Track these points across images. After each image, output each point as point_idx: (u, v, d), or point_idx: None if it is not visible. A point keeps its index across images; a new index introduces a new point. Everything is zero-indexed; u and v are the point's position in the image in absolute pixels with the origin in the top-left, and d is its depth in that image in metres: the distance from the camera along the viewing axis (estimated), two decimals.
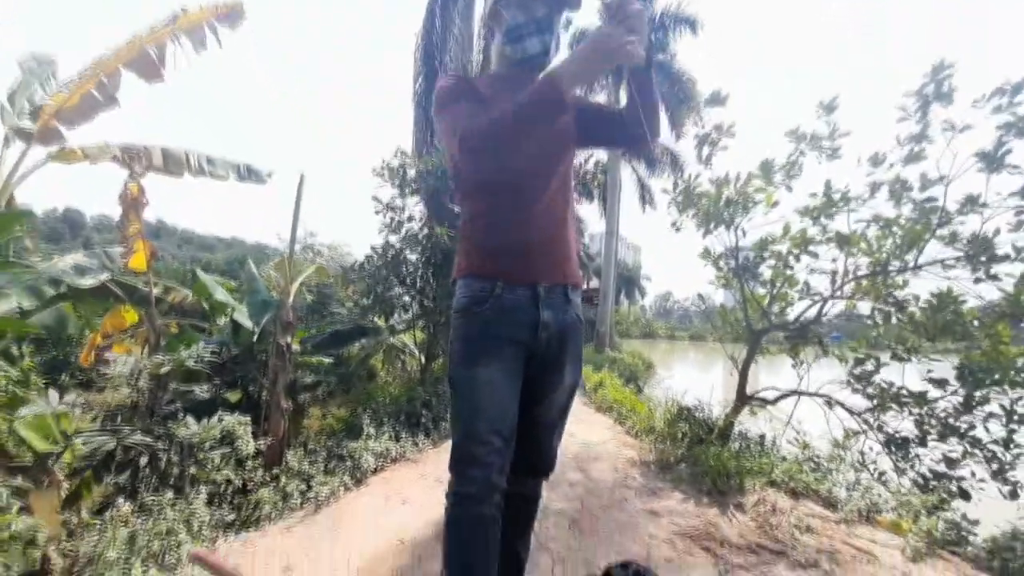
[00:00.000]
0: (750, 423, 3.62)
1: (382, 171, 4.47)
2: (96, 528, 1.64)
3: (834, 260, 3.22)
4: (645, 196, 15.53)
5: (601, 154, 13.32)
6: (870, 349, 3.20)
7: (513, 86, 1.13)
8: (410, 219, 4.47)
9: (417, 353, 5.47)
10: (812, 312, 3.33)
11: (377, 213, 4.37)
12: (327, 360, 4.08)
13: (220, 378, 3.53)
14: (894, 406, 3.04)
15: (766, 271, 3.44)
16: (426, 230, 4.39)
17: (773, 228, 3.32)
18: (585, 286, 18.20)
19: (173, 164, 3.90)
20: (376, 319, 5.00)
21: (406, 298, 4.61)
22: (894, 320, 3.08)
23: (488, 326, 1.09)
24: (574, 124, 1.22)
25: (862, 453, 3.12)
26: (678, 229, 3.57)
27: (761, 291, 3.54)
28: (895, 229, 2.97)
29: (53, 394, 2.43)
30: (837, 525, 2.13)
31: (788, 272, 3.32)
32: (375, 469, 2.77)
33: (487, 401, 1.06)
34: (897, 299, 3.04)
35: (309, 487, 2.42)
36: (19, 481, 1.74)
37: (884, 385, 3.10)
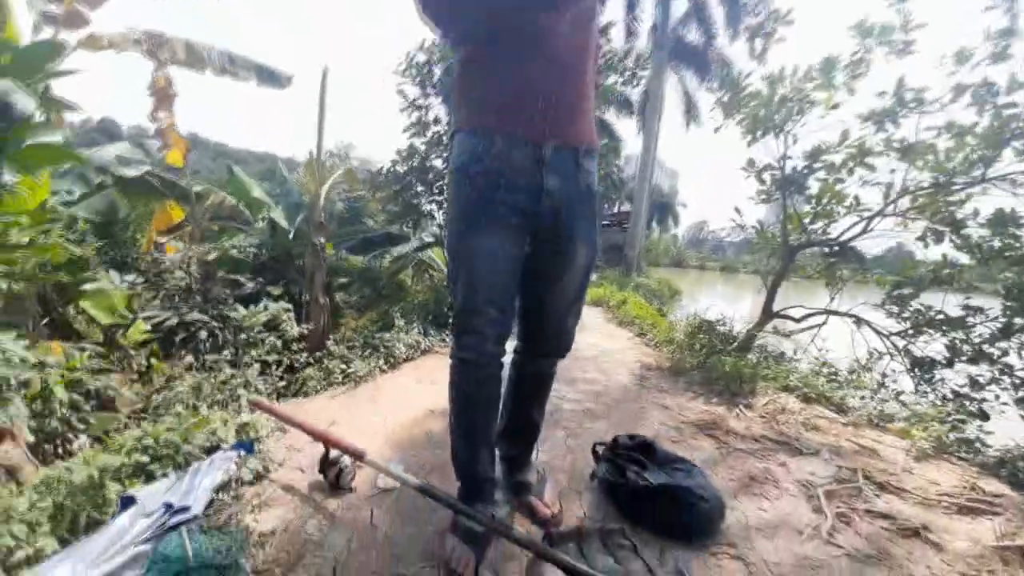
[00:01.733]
0: (773, 344, 3.64)
1: (407, 69, 4.23)
2: (165, 380, 1.88)
3: (892, 171, 2.96)
4: (690, 111, 14.17)
5: (643, 47, 12.08)
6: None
7: None
8: (436, 121, 4.30)
9: (444, 269, 5.61)
10: (856, 230, 3.15)
11: (402, 111, 4.21)
12: (358, 261, 4.24)
13: (262, 276, 3.76)
14: (928, 330, 2.97)
15: (814, 184, 3.21)
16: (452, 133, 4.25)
17: (828, 135, 3.04)
18: (615, 209, 17.63)
19: (195, 58, 3.81)
20: (404, 227, 5.08)
21: (432, 205, 4.60)
22: (947, 241, 2.89)
23: (485, 190, 1.00)
24: None
25: (884, 375, 3.12)
26: (716, 130, 3.33)
27: (806, 207, 3.35)
28: (969, 139, 2.65)
29: (115, 274, 2.68)
30: (845, 427, 2.20)
31: (838, 186, 3.09)
32: (406, 358, 3.00)
33: (484, 272, 1.04)
34: (955, 217, 2.81)
35: (348, 369, 2.66)
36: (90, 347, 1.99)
37: (921, 308, 3.00)
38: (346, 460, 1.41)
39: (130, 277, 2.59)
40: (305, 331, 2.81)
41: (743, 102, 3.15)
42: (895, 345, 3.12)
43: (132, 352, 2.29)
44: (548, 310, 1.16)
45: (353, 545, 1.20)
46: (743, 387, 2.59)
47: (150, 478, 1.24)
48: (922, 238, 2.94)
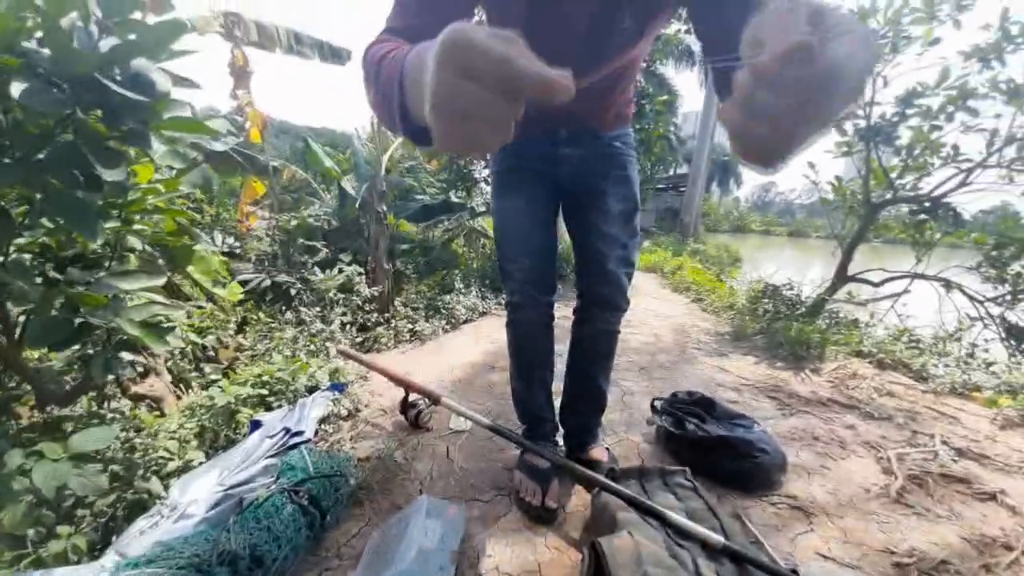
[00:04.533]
0: (847, 311, 3.42)
1: None
2: (266, 331, 2.15)
3: (997, 116, 2.61)
4: None
5: None
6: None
7: None
8: None
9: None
10: (952, 184, 2.83)
11: None
12: (415, 229, 4.43)
13: (334, 244, 4.06)
14: None
15: (904, 134, 2.90)
16: None
17: (924, 76, 2.71)
18: (671, 172, 16.72)
19: (266, 37, 4.01)
20: (459, 196, 5.19)
21: (485, 171, 4.66)
22: None
23: (511, 158, 1.16)
24: None
25: (973, 345, 2.87)
26: None
27: (894, 160, 3.04)
28: None
29: (214, 238, 3.02)
30: (923, 394, 2.09)
31: (934, 135, 2.77)
32: (466, 320, 3.17)
33: (513, 227, 1.20)
34: None
35: (414, 328, 2.87)
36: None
37: (1022, 271, 2.70)
38: (423, 403, 1.58)
39: (225, 244, 2.93)
40: (375, 293, 3.03)
41: None
42: (989, 312, 2.84)
43: (229, 312, 2.59)
44: (589, 257, 1.22)
45: (434, 473, 1.37)
46: (810, 352, 2.50)
47: (268, 408, 1.48)
48: None
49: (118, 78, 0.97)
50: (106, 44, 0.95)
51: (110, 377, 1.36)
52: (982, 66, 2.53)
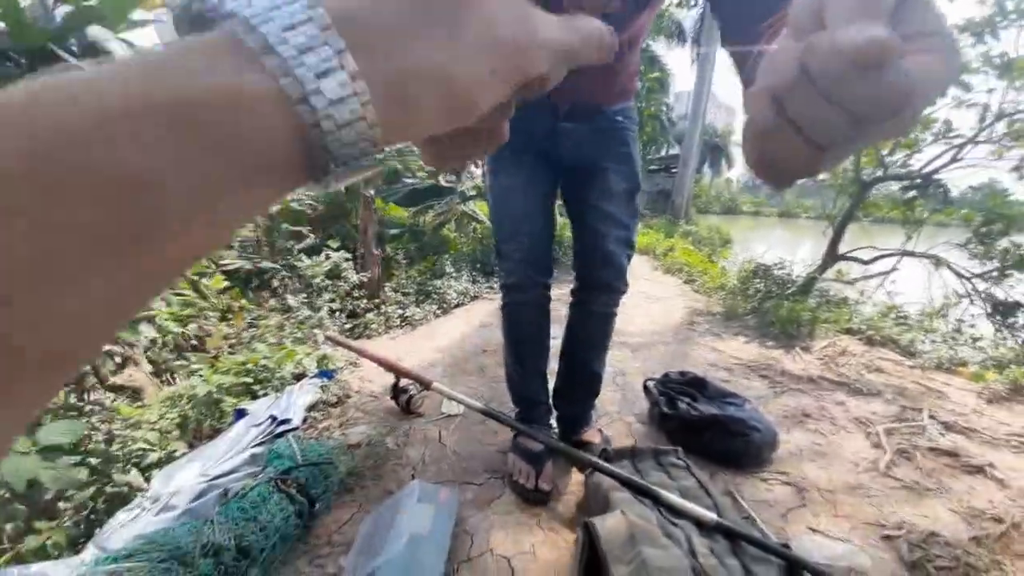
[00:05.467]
0: (836, 290, 3.44)
1: None
2: (251, 320, 2.10)
3: (989, 91, 2.60)
4: None
5: None
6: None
7: None
8: None
9: (487, 221, 5.64)
10: (944, 160, 2.83)
11: None
12: (405, 213, 4.36)
13: (321, 229, 3.97)
14: (1016, 272, 2.71)
15: None
16: None
17: None
18: (663, 153, 16.63)
19: None
20: (448, 180, 5.10)
21: None
22: None
23: (509, 135, 1.07)
24: None
25: (960, 321, 2.91)
26: None
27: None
28: None
29: None
30: (911, 370, 2.12)
31: (927, 109, 2.75)
32: (457, 304, 3.14)
33: (512, 206, 1.15)
34: None
35: (404, 314, 2.83)
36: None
37: (1010, 246, 2.73)
38: (414, 388, 1.55)
39: None
40: (364, 279, 2.98)
41: None
42: (976, 288, 2.88)
43: (214, 300, 2.53)
44: (589, 238, 1.19)
45: (427, 457, 1.35)
46: (800, 330, 2.51)
47: (254, 396, 1.45)
48: (1017, 168, 2.61)
49: (74, 48, 0.90)
50: (61, 13, 0.89)
51: (87, 368, 1.32)
52: (975, 40, 2.51)
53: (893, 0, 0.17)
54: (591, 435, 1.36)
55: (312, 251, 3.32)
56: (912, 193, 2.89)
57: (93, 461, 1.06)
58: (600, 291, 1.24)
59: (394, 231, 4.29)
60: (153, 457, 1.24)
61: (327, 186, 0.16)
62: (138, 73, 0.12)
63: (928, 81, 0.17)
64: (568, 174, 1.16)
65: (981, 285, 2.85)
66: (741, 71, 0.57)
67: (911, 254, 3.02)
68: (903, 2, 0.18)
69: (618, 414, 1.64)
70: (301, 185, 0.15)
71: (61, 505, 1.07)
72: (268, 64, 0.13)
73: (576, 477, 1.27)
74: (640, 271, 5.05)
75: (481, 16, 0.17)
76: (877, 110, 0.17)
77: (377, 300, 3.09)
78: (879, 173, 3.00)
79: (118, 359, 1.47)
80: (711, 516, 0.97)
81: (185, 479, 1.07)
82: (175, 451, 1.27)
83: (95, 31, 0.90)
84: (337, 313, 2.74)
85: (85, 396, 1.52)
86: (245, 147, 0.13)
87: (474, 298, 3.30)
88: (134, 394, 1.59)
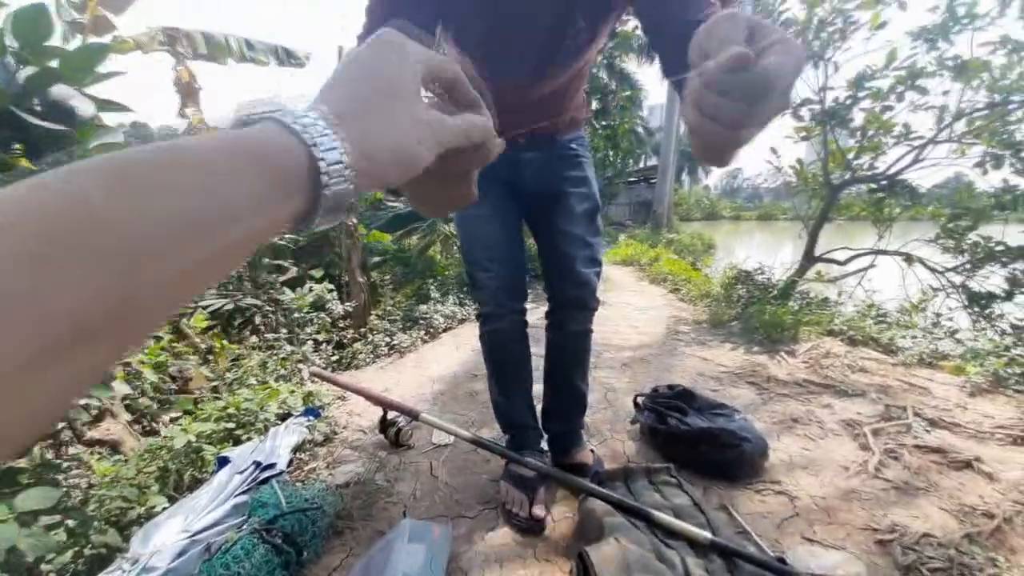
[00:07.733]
0: (816, 291, 3.51)
1: None
2: (232, 360, 2.06)
3: (946, 93, 2.73)
4: None
5: None
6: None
7: None
8: None
9: None
10: (907, 161, 2.94)
11: None
12: (388, 238, 4.36)
13: (303, 260, 3.94)
14: (987, 264, 2.80)
15: (858, 115, 3.00)
16: None
17: (873, 59, 2.81)
18: (642, 164, 16.97)
19: (216, 49, 3.87)
20: None
21: None
22: (1007, 166, 2.66)
23: None
24: None
25: (938, 314, 2.98)
26: None
27: (850, 141, 3.14)
28: None
29: None
30: (894, 367, 2.15)
31: (886, 115, 2.87)
32: (445, 328, 3.12)
33: (482, 234, 1.18)
34: (1013, 139, 2.58)
35: (392, 341, 2.80)
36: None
37: (980, 239, 2.82)
38: (402, 420, 1.53)
39: None
40: (349, 309, 2.96)
41: None
42: (951, 281, 2.96)
43: (197, 339, 2.48)
44: (557, 259, 1.21)
45: (418, 492, 1.33)
46: (784, 335, 2.55)
47: (237, 442, 1.41)
48: (980, 164, 2.72)
49: (38, 109, 0.90)
50: (24, 75, 0.89)
51: (61, 424, 1.28)
52: (928, 46, 2.64)
53: (746, 32, 0.29)
54: (583, 456, 1.35)
55: (295, 283, 3.29)
56: (880, 194, 2.99)
57: (70, 523, 1.02)
58: (574, 310, 1.26)
59: (377, 258, 4.28)
60: (133, 514, 1.20)
61: (310, 224, 0.25)
62: (230, 135, 0.22)
63: (781, 66, 0.28)
64: (531, 201, 1.19)
65: (956, 279, 2.94)
66: (680, 92, 0.69)
67: (883, 252, 3.10)
68: (754, 29, 0.30)
69: (610, 433, 1.64)
70: (301, 210, 0.24)
71: (44, 568, 1.03)
72: (294, 130, 0.23)
73: (572, 500, 1.26)
74: (626, 283, 5.10)
75: (407, 109, 0.28)
76: (754, 93, 0.28)
77: (364, 329, 3.06)
78: (847, 176, 3.10)
79: (94, 411, 1.42)
80: (705, 535, 0.96)
81: (166, 536, 1.03)
82: (155, 506, 1.23)
83: (59, 90, 0.91)
84: (324, 345, 2.71)
85: (61, 451, 1.46)
86: (285, 171, 0.23)
87: (461, 321, 3.29)
88: (112, 448, 1.54)
